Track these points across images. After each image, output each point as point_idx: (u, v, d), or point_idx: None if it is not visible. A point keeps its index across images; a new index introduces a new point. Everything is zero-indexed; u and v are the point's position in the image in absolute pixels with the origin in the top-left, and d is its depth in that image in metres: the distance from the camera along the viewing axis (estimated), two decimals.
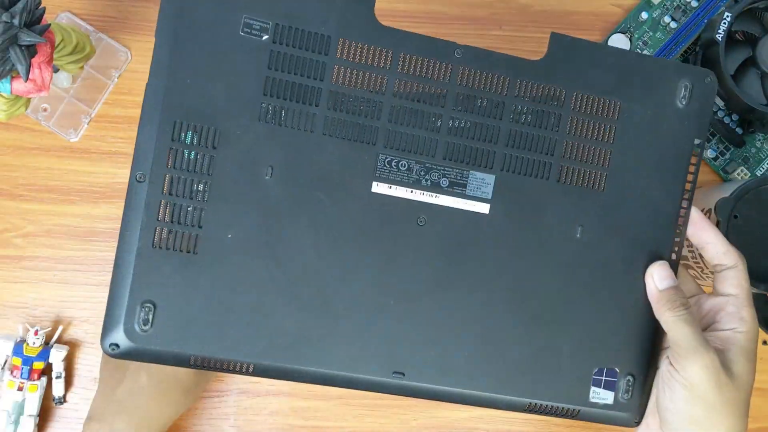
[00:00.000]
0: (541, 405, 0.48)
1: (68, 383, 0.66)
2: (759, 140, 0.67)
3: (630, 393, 0.48)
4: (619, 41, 0.67)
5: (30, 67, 0.54)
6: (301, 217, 0.44)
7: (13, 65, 0.53)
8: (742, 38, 0.64)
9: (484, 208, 0.46)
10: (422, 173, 0.46)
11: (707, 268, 0.60)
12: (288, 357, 0.45)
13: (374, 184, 0.45)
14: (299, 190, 0.44)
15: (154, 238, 0.43)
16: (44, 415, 0.66)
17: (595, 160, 0.48)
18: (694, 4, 0.67)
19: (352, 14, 0.44)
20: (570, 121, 0.47)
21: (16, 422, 0.63)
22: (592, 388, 0.48)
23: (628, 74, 0.47)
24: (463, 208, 0.46)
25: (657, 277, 0.47)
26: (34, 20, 0.53)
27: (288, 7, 0.43)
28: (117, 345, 0.43)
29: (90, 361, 0.66)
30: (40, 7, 0.54)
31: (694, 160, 0.49)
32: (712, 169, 0.68)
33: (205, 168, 0.44)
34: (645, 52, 0.67)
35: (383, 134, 0.45)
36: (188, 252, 0.44)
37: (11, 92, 0.56)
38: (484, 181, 0.46)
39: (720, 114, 0.67)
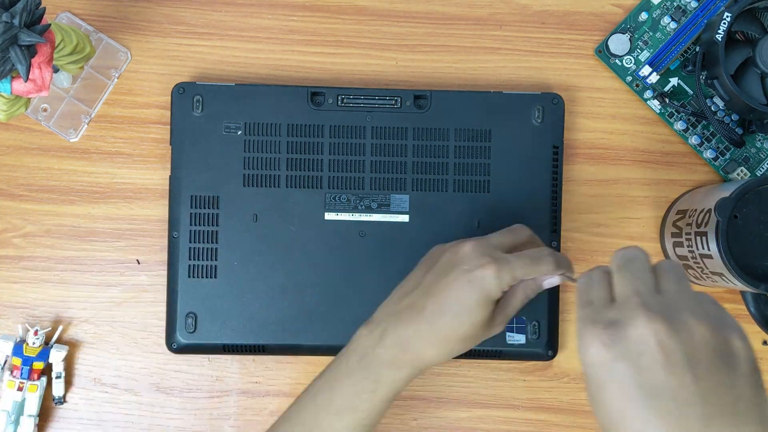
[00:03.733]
0: (471, 350, 0.56)
1: (68, 383, 0.66)
2: (759, 140, 0.67)
3: (537, 334, 0.64)
4: (619, 41, 0.67)
5: (30, 67, 0.54)
6: (281, 244, 0.64)
7: (13, 65, 0.53)
8: (742, 38, 0.64)
9: (405, 218, 0.64)
10: (357, 201, 0.64)
11: (707, 268, 0.60)
12: (286, 336, 0.64)
13: (326, 214, 0.64)
14: (277, 226, 0.64)
15: (188, 271, 0.64)
16: (44, 415, 0.66)
17: (479, 171, 0.65)
18: (694, 4, 0.67)
19: (293, 106, 0.64)
20: (455, 148, 0.65)
21: (16, 422, 0.63)
22: (507, 334, 0.64)
23: (493, 108, 0.65)
24: (390, 220, 0.64)
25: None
26: (34, 20, 0.53)
27: (251, 112, 0.64)
28: (175, 343, 0.64)
29: (90, 361, 0.66)
30: (40, 7, 0.54)
31: (556, 158, 0.65)
32: (712, 169, 0.68)
33: (213, 222, 0.64)
34: (645, 52, 0.67)
35: (326, 180, 0.64)
36: (211, 277, 0.64)
37: (11, 92, 0.56)
38: (401, 200, 0.64)
39: (720, 114, 0.67)
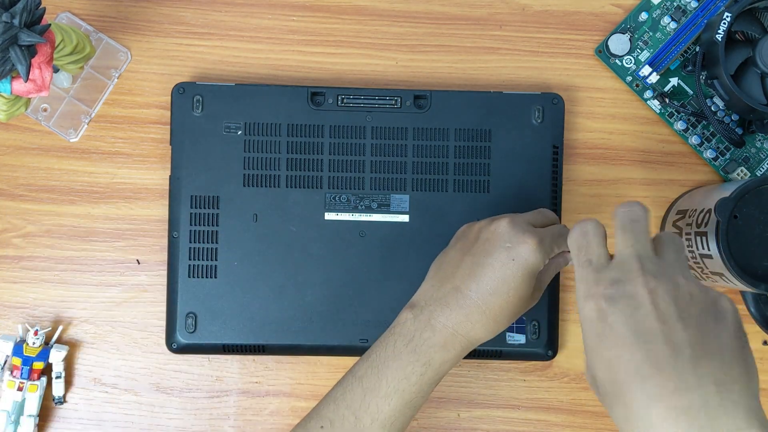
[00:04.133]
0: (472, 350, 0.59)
1: (68, 383, 0.66)
2: (759, 140, 0.67)
3: (537, 334, 0.64)
4: (619, 41, 0.67)
5: (30, 67, 0.54)
6: (281, 244, 0.64)
7: (13, 65, 0.53)
8: (742, 38, 0.64)
9: (405, 218, 0.64)
10: (357, 202, 0.64)
11: (707, 268, 0.60)
12: (286, 336, 0.64)
13: (326, 214, 0.64)
14: (277, 226, 0.64)
15: (188, 271, 0.63)
16: (44, 415, 0.66)
17: (479, 171, 0.65)
18: (694, 4, 0.67)
19: (293, 106, 0.64)
20: (455, 148, 0.64)
21: (16, 422, 0.63)
22: (507, 334, 0.64)
23: (493, 108, 0.65)
24: (390, 220, 0.64)
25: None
26: (34, 20, 0.53)
27: (251, 113, 0.64)
28: (175, 343, 0.64)
29: (90, 361, 0.66)
30: (40, 7, 0.54)
31: (556, 158, 0.65)
32: (712, 169, 0.68)
33: (213, 222, 0.64)
34: (645, 52, 0.67)
35: (326, 181, 0.64)
36: (211, 277, 0.64)
37: (11, 92, 0.56)
38: (402, 200, 0.64)
39: (720, 114, 0.67)
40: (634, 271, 0.45)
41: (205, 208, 0.64)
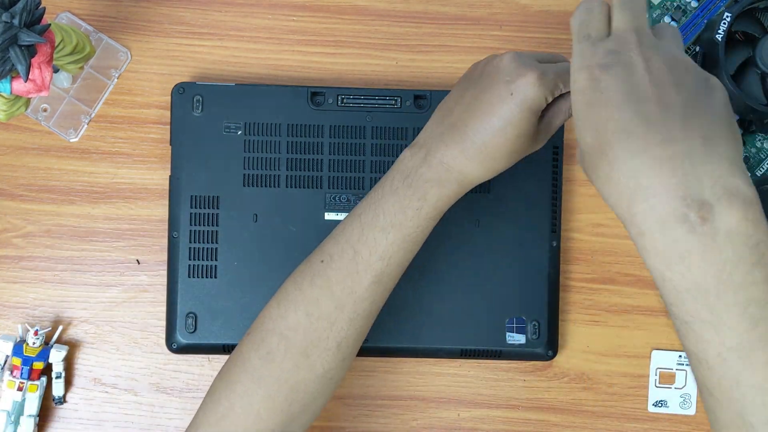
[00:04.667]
0: (471, 350, 0.64)
1: (68, 383, 0.66)
2: (759, 140, 0.67)
3: (537, 334, 0.64)
4: None
5: (30, 67, 0.54)
6: (281, 244, 0.64)
7: (13, 65, 0.53)
8: (742, 38, 0.64)
9: None
10: (357, 201, 0.62)
11: None
12: None
13: (326, 214, 0.64)
14: (277, 226, 0.64)
15: (188, 272, 0.64)
16: (44, 414, 0.66)
17: None
18: (694, 4, 0.67)
19: (293, 106, 0.64)
20: None
21: (16, 422, 0.63)
22: (507, 334, 0.64)
23: None
24: None
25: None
26: (34, 20, 0.53)
27: (251, 113, 0.64)
28: (175, 343, 0.64)
29: (90, 361, 0.66)
30: (40, 7, 0.54)
31: (556, 158, 0.65)
32: None
33: (213, 222, 0.64)
34: None
35: (326, 181, 0.64)
36: (211, 277, 0.64)
37: (11, 92, 0.56)
38: None
39: None
40: (631, 42, 0.44)
41: (205, 208, 0.64)
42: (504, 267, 0.64)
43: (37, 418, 0.64)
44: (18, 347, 0.64)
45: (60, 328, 0.66)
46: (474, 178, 0.53)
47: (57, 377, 0.65)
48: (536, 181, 0.65)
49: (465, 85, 0.54)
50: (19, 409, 0.63)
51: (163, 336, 0.65)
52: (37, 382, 0.64)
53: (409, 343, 0.64)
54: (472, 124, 0.52)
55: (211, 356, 0.66)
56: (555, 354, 0.65)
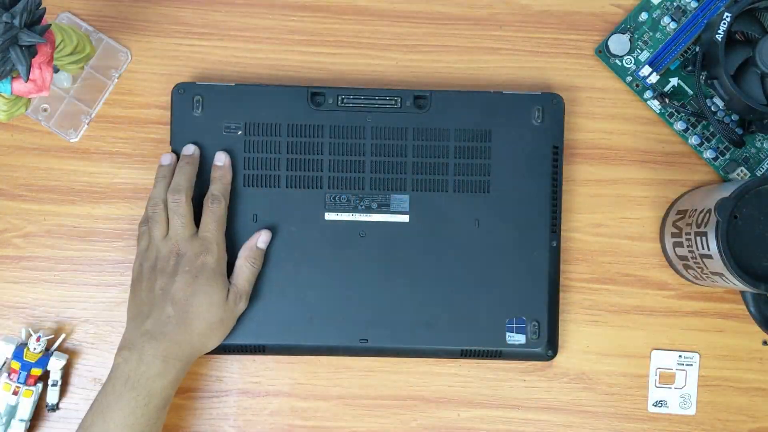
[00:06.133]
0: (471, 350, 0.65)
1: (63, 391, 0.66)
2: (759, 140, 0.67)
3: (537, 334, 0.64)
4: (619, 41, 0.67)
5: (30, 67, 0.54)
6: (281, 244, 0.64)
7: (13, 65, 0.53)
8: (742, 38, 0.64)
9: (405, 218, 0.64)
10: (357, 202, 0.64)
11: (707, 268, 0.61)
12: (286, 336, 0.64)
13: (326, 214, 0.64)
14: (277, 226, 0.64)
15: None
16: (44, 414, 0.66)
17: (479, 172, 0.65)
18: (694, 4, 0.67)
19: (293, 106, 0.64)
20: (455, 148, 0.64)
21: (7, 424, 0.63)
22: (507, 334, 0.64)
23: (493, 108, 0.65)
24: (390, 220, 0.64)
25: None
26: (34, 20, 0.53)
27: (251, 113, 0.64)
28: None
29: (90, 361, 0.66)
30: (41, 7, 0.54)
31: (556, 158, 0.65)
32: (712, 169, 0.68)
33: None
34: (645, 52, 0.67)
35: (326, 181, 0.64)
36: None
37: (11, 92, 0.56)
38: (401, 200, 0.64)
39: (720, 114, 0.67)
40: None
41: None
42: (504, 267, 0.64)
43: (29, 423, 0.64)
44: (19, 351, 0.63)
45: (62, 336, 0.66)
46: (195, 353, 0.60)
47: (53, 385, 0.65)
48: (536, 181, 0.65)
49: (148, 284, 0.61)
50: (11, 412, 0.63)
51: None
52: (32, 388, 0.63)
53: (409, 343, 0.64)
54: (176, 315, 0.59)
55: (211, 356, 0.66)
56: (555, 354, 0.65)
